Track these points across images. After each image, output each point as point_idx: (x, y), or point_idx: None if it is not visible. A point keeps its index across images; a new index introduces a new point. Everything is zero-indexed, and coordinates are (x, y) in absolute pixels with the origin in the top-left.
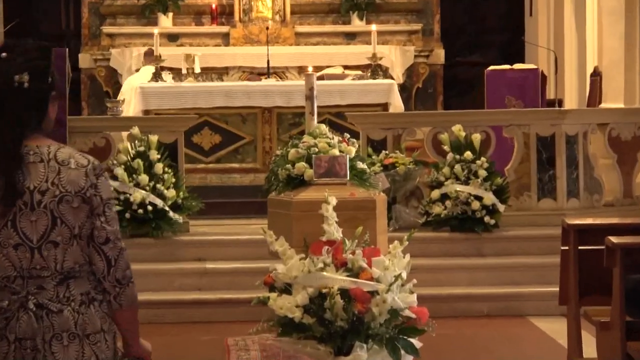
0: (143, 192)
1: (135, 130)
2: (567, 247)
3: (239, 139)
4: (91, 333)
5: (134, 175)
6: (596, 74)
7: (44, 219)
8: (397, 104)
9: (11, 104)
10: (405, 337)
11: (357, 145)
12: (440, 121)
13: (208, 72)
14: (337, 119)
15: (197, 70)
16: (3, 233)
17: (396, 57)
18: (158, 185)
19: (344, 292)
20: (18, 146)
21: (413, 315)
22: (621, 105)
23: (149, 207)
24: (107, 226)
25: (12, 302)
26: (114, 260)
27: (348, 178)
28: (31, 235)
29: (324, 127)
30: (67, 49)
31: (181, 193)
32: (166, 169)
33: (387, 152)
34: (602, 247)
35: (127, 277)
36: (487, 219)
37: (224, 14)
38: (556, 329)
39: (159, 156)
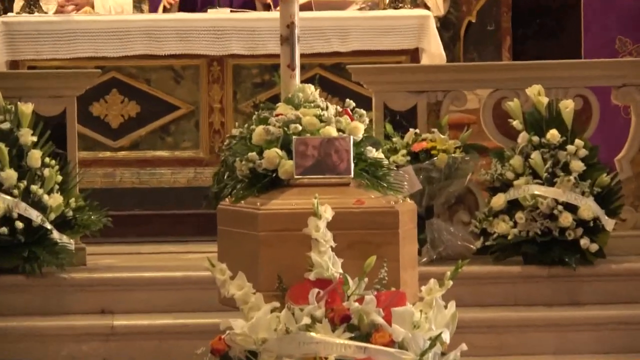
0: (8, 198)
1: None
2: None
3: (169, 109)
4: None
5: None
6: None
7: None
8: (434, 51)
9: None
10: None
11: (367, 121)
12: (506, 79)
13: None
14: (335, 76)
15: None
16: None
17: None
18: (34, 188)
19: None
20: None
21: None
22: None
23: (19, 224)
24: None
25: None
26: None
27: (352, 175)
28: None
29: (311, 90)
30: None
31: (72, 200)
32: (48, 160)
33: (417, 131)
34: None
35: None
36: (585, 242)
37: None
38: None
39: (34, 139)
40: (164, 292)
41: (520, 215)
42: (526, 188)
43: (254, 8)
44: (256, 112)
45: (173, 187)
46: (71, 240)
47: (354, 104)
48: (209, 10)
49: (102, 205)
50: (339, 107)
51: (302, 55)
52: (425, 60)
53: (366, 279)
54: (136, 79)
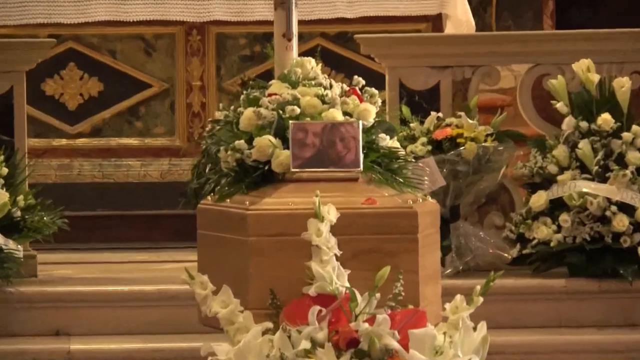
0: None
1: None
2: None
3: (138, 88)
4: None
5: None
6: None
7: None
8: (460, 18)
9: None
10: None
11: (379, 102)
12: (548, 52)
13: None
14: (340, 48)
15: None
16: None
17: None
18: None
19: None
20: None
21: None
22: None
23: None
24: None
25: None
26: None
27: (361, 168)
28: None
29: (312, 65)
30: None
31: (20, 198)
32: None
33: (440, 115)
34: None
35: None
36: None
37: None
38: None
39: None
40: (132, 309)
41: (565, 218)
42: (572, 185)
43: None
44: (244, 92)
45: (143, 183)
46: (19, 246)
47: (363, 82)
48: None
49: (57, 204)
50: (345, 86)
51: (301, 22)
52: (449, 29)
53: (378, 295)
54: (98, 50)
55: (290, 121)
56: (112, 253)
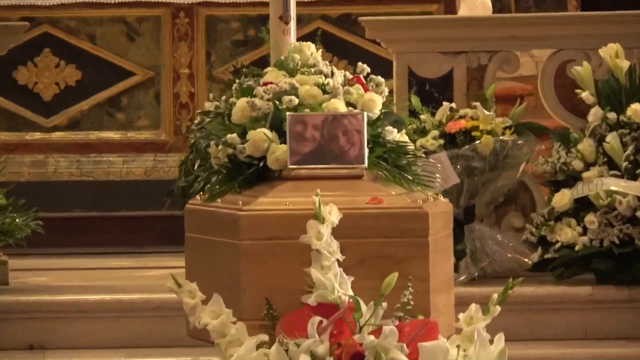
0: None
1: None
2: None
3: (120, 76)
4: None
5: None
6: None
7: None
8: None
9: None
10: None
11: (386, 91)
12: (573, 36)
13: None
14: (343, 32)
15: None
16: None
17: None
18: None
19: None
20: None
21: None
22: None
23: None
24: None
25: None
26: None
27: (366, 164)
28: None
29: (312, 51)
30: None
31: None
32: None
33: (453, 105)
34: None
35: None
36: None
37: None
38: None
39: None
40: (114, 321)
41: (591, 219)
42: (599, 182)
43: None
44: (237, 80)
45: (125, 181)
46: None
47: (368, 69)
48: None
49: (31, 205)
50: (348, 74)
51: (299, 4)
52: (463, 11)
53: (385, 304)
54: (76, 35)
55: (288, 113)
56: (91, 259)
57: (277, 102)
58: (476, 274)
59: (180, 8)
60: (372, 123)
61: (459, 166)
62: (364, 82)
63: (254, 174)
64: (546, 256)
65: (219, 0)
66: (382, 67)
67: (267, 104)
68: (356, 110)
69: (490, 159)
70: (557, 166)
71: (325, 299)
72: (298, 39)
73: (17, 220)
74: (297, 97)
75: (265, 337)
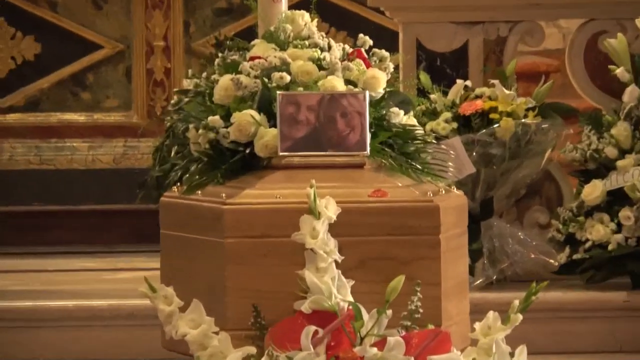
0: None
1: None
2: None
3: (85, 49)
4: None
5: None
6: None
7: None
8: None
9: None
10: None
11: (391, 67)
12: (605, 2)
13: None
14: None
15: None
16: None
17: None
18: None
19: None
20: None
21: None
22: None
23: None
24: None
25: None
26: None
27: (368, 151)
28: None
29: (306, 21)
30: None
31: None
32: None
33: (467, 83)
34: None
35: None
36: None
37: None
38: None
39: None
40: (79, 331)
41: (626, 214)
42: (636, 172)
43: None
44: (220, 54)
45: (92, 170)
46: None
47: (371, 42)
48: None
49: None
50: (347, 47)
51: None
52: None
53: (389, 312)
54: (34, 2)
55: (278, 92)
56: (53, 259)
57: (266, 80)
58: (494, 277)
59: None
60: (375, 104)
61: (474, 153)
62: (366, 56)
63: (239, 162)
64: (575, 257)
65: None
66: (386, 39)
67: (255, 81)
68: (357, 89)
69: (510, 145)
70: (588, 153)
71: (321, 306)
72: (290, 7)
73: None
74: (289, 73)
75: (252, 350)
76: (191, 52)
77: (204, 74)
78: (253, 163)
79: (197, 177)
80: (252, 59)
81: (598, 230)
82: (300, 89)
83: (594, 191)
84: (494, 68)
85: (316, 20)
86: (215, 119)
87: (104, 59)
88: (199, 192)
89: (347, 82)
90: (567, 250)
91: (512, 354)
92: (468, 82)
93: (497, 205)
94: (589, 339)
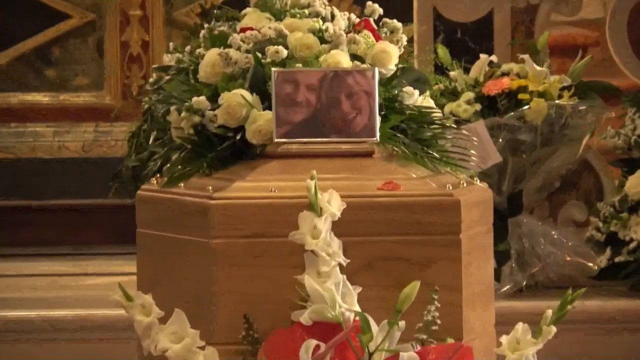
0: None
1: None
2: None
3: (51, 19)
4: None
5: None
6: None
7: None
8: None
9: None
10: None
11: (404, 40)
12: None
13: None
14: None
15: None
16: None
17: None
18: None
19: None
20: None
21: None
22: None
23: None
24: None
25: None
26: None
27: (377, 137)
28: None
29: None
30: None
31: None
32: None
33: (493, 58)
34: None
35: None
36: None
37: None
38: None
39: None
40: (45, 344)
41: None
42: None
43: None
44: (206, 25)
45: (58, 159)
46: None
47: (381, 11)
48: None
49: None
50: (354, 16)
51: None
52: None
53: (402, 323)
54: None
55: (273, 68)
56: (13, 262)
57: (259, 55)
58: (524, 283)
59: None
60: (385, 82)
61: (501, 140)
62: (375, 27)
63: (228, 149)
64: (617, 259)
65: None
66: (399, 7)
67: (246, 56)
68: (365, 66)
69: (542, 130)
70: (632, 140)
71: (324, 316)
72: None
73: None
74: (286, 47)
75: None
76: (172, 23)
77: (188, 48)
78: (244, 151)
79: (179, 167)
80: (243, 30)
81: None
82: (299, 65)
83: (639, 183)
84: (523, 41)
85: None
86: (200, 100)
87: (72, 30)
88: (182, 184)
89: (353, 57)
90: (608, 252)
91: None
92: (493, 57)
93: (526, 199)
94: (632, 352)
